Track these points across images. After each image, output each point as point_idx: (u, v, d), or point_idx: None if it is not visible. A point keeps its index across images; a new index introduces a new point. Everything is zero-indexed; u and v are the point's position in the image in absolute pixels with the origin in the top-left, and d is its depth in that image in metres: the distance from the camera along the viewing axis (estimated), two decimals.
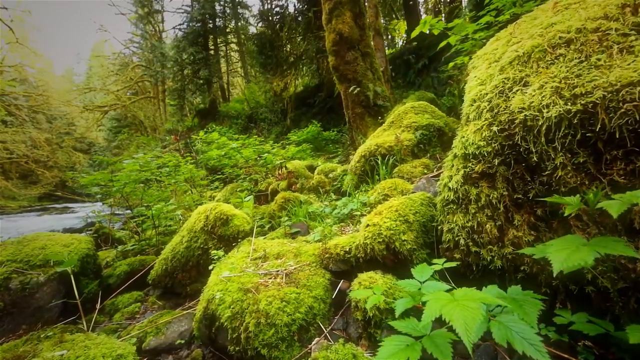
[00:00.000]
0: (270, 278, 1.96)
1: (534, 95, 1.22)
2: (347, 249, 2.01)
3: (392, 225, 1.80)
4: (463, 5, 14.60)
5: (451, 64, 4.48)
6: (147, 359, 1.99)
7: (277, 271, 2.03)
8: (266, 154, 5.72)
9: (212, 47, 22.40)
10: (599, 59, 1.12)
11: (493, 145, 1.34)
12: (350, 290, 1.76)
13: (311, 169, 5.89)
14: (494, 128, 1.33)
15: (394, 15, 21.15)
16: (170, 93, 24.46)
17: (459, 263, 1.45)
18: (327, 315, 1.80)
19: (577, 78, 1.13)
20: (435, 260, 1.45)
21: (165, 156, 5.03)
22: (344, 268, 2.04)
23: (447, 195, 1.59)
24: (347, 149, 8.40)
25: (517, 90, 1.31)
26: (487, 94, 1.44)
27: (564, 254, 0.84)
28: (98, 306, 2.66)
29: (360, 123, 6.65)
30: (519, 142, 1.26)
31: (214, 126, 14.77)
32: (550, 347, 1.07)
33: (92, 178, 4.21)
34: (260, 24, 18.86)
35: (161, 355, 2.04)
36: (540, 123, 1.18)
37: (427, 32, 3.70)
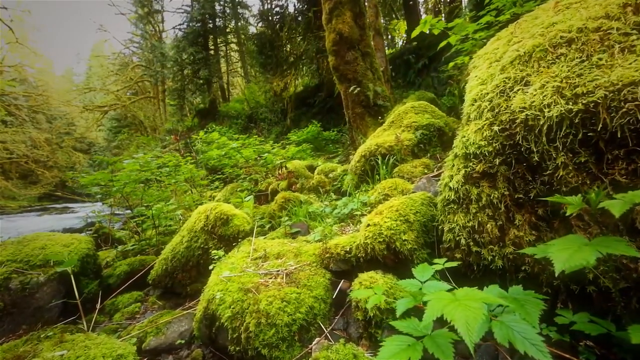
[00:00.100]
0: (270, 278, 1.96)
1: (535, 95, 1.22)
2: (348, 249, 2.01)
3: (392, 225, 1.79)
4: (463, 5, 14.60)
5: (451, 64, 4.48)
6: (147, 359, 1.99)
7: (278, 271, 2.02)
8: (266, 154, 5.72)
9: (212, 47, 22.40)
10: (600, 59, 1.12)
11: (494, 144, 1.34)
12: (351, 290, 1.76)
13: (311, 169, 5.88)
14: (495, 128, 1.33)
15: (393, 15, 21.15)
16: (170, 93, 24.45)
17: (459, 263, 1.45)
18: (328, 315, 1.80)
19: (579, 77, 1.12)
20: (436, 260, 1.45)
21: (165, 156, 5.03)
22: (345, 268, 2.03)
23: (448, 195, 1.59)
24: (347, 149, 8.40)
25: (518, 90, 1.30)
26: (488, 93, 1.44)
27: (566, 254, 0.84)
28: (98, 306, 2.66)
29: (360, 123, 6.65)
30: (520, 142, 1.25)
31: (214, 126, 14.77)
32: (551, 347, 1.06)
33: (92, 178, 4.21)
34: (260, 24, 18.86)
35: (161, 355, 2.04)
36: (541, 123, 1.17)
37: (427, 32, 3.70)
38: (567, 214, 0.99)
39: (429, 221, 1.86)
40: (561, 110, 1.12)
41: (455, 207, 1.55)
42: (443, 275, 1.51)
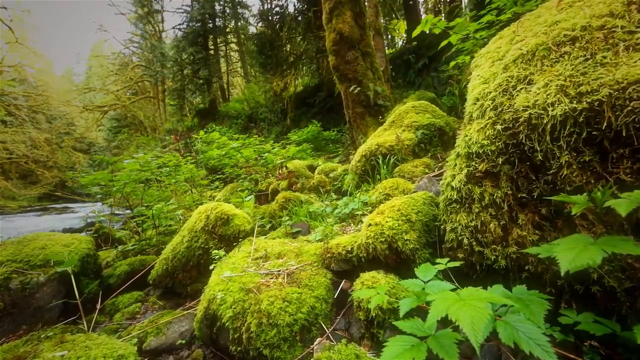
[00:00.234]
0: (271, 278, 1.95)
1: (538, 94, 1.21)
2: (349, 249, 2.00)
3: (394, 225, 1.79)
4: (463, 5, 14.59)
5: (452, 63, 4.48)
6: (148, 359, 1.98)
7: (279, 271, 2.02)
8: (267, 154, 5.71)
9: (212, 47, 22.38)
10: (604, 57, 1.11)
11: (497, 144, 1.33)
12: (353, 290, 1.75)
13: (311, 168, 5.88)
14: (498, 127, 1.32)
15: (393, 15, 21.14)
16: (170, 93, 24.43)
17: (462, 263, 1.44)
18: (329, 315, 1.79)
19: (583, 76, 1.12)
20: (438, 260, 1.44)
21: (165, 156, 5.02)
22: (346, 268, 2.03)
23: (450, 195, 1.58)
24: (347, 149, 8.39)
25: (521, 89, 1.30)
26: (490, 92, 1.43)
27: (572, 254, 0.83)
28: (98, 306, 2.65)
29: (360, 123, 6.64)
30: (523, 141, 1.25)
31: (214, 126, 14.75)
32: (555, 347, 1.06)
33: (93, 178, 4.20)
34: (260, 24, 18.86)
35: (162, 355, 2.03)
36: (545, 121, 1.17)
37: (428, 31, 3.69)
38: (573, 213, 0.99)
39: (430, 221, 1.86)
40: (565, 109, 1.11)
41: (457, 207, 1.55)
42: (445, 275, 1.50)
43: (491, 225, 1.37)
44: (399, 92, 10.20)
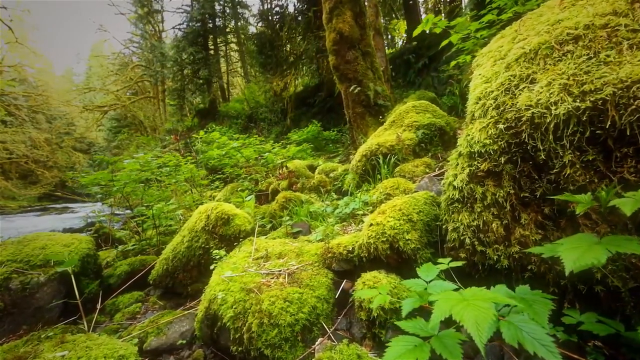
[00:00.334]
0: (272, 278, 1.94)
1: (541, 93, 1.20)
2: (350, 249, 2.00)
3: (395, 225, 1.78)
4: (463, 5, 14.59)
5: (453, 63, 4.47)
6: (149, 359, 1.98)
7: (280, 271, 2.01)
8: (267, 154, 5.71)
9: (211, 47, 22.37)
10: (608, 55, 1.10)
11: (499, 143, 1.33)
12: (354, 290, 1.75)
13: (312, 168, 5.87)
14: (500, 126, 1.32)
15: (393, 15, 21.13)
16: (170, 93, 24.42)
17: (464, 262, 1.44)
18: (331, 315, 1.79)
19: (586, 75, 1.11)
20: (440, 260, 1.43)
21: (165, 156, 5.02)
22: (347, 268, 2.02)
23: (452, 194, 1.57)
24: (347, 149, 8.39)
25: (523, 88, 1.29)
26: (492, 91, 1.42)
27: (576, 253, 0.82)
28: (99, 306, 2.64)
29: (360, 122, 6.64)
30: (526, 140, 1.24)
31: (214, 126, 14.73)
32: (559, 347, 1.05)
33: (93, 178, 4.20)
34: (260, 24, 18.85)
35: (162, 355, 2.03)
36: (548, 120, 1.16)
37: (428, 31, 3.69)
38: (577, 213, 0.98)
39: (432, 220, 1.85)
40: (568, 108, 1.10)
41: (459, 206, 1.54)
42: (447, 275, 1.49)
43: (493, 224, 1.37)
44: (399, 92, 10.19)
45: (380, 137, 4.00)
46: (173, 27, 25.86)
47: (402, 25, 19.93)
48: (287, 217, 3.37)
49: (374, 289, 1.49)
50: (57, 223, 11.69)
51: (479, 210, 1.43)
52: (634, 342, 0.97)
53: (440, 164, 3.32)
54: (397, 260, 1.76)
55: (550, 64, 1.25)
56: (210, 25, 21.98)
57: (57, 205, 22.81)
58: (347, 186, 3.91)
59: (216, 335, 1.87)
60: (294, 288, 1.80)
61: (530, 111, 1.22)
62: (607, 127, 1.04)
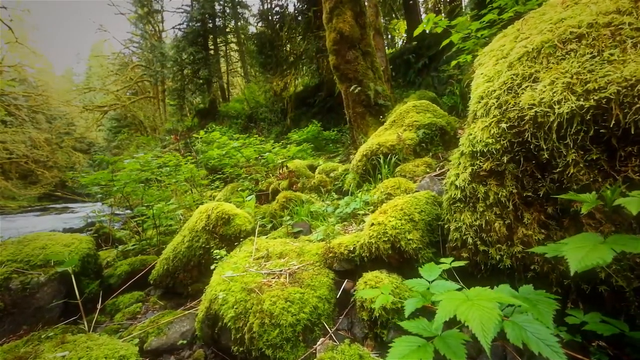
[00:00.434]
0: (273, 278, 1.94)
1: (544, 91, 1.20)
2: (351, 248, 1.99)
3: (397, 224, 1.77)
4: (463, 4, 14.58)
5: (453, 62, 4.46)
6: (149, 359, 1.97)
7: (281, 271, 2.00)
8: (267, 153, 5.70)
9: (211, 47, 22.36)
10: (612, 54, 1.10)
11: (502, 142, 1.32)
12: (355, 290, 1.74)
13: (312, 168, 5.86)
14: (503, 125, 1.31)
15: (393, 15, 21.12)
16: (170, 93, 24.42)
17: (467, 262, 1.43)
18: (332, 316, 1.78)
19: (590, 73, 1.10)
20: (442, 260, 1.42)
21: (165, 156, 5.01)
22: (348, 267, 2.01)
23: (454, 194, 1.57)
24: (347, 149, 8.38)
25: (526, 87, 1.28)
26: (495, 90, 1.42)
27: (581, 253, 0.81)
28: (99, 306, 2.64)
29: (361, 122, 6.63)
30: (529, 139, 1.23)
31: (214, 126, 14.73)
32: (562, 347, 1.05)
33: (93, 178, 4.20)
34: (260, 24, 18.83)
35: (163, 355, 2.02)
36: (551, 119, 1.15)
37: (428, 31, 3.69)
38: (582, 212, 0.97)
39: (433, 220, 1.85)
40: (572, 107, 1.10)
41: (461, 206, 1.53)
42: (450, 275, 1.49)
43: (496, 224, 1.36)
44: (399, 92, 10.18)
45: (381, 136, 4.00)
46: (173, 27, 25.88)
47: (402, 25, 19.93)
48: (288, 217, 3.36)
49: (376, 288, 1.48)
50: (57, 223, 11.69)
51: (481, 209, 1.42)
52: (638, 342, 0.97)
53: (441, 163, 3.32)
54: (399, 260, 1.76)
55: (553, 63, 1.24)
56: (210, 25, 21.97)
57: (57, 205, 22.80)
58: (348, 186, 3.91)
59: (217, 335, 1.86)
60: (295, 288, 1.79)
61: (533, 110, 1.21)
62: (611, 125, 1.03)
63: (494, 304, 0.83)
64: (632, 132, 0.99)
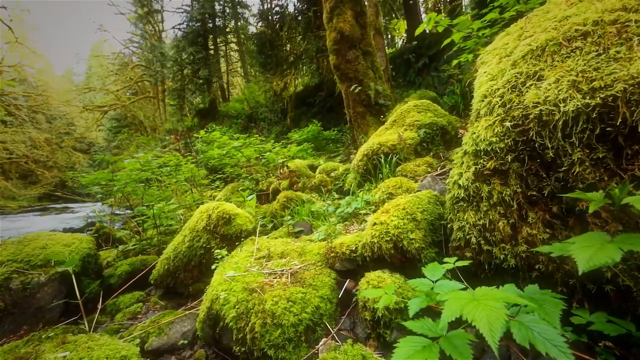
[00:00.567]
0: (275, 277, 1.93)
1: (549, 90, 1.19)
2: (353, 248, 1.98)
3: (399, 224, 1.76)
4: (463, 4, 14.58)
5: (454, 62, 4.45)
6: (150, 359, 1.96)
7: (282, 270, 1.99)
8: (268, 153, 5.69)
9: (211, 47, 22.35)
10: (618, 52, 1.08)
11: (506, 141, 1.31)
12: (357, 290, 1.73)
13: (312, 168, 5.85)
14: (507, 124, 1.30)
15: (393, 15, 21.12)
16: (170, 93, 24.41)
17: (470, 262, 1.42)
18: (334, 316, 1.77)
19: (596, 71, 1.09)
20: (446, 259, 1.41)
21: (165, 156, 5.00)
22: (350, 267, 2.00)
23: (457, 193, 1.56)
24: (348, 148, 8.37)
25: (531, 85, 1.27)
26: (498, 89, 1.41)
27: (589, 252, 0.80)
28: (99, 306, 2.62)
29: (361, 122, 6.62)
30: (533, 138, 1.22)
31: (214, 126, 14.71)
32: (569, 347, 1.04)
33: (93, 177, 4.19)
34: (260, 24, 18.82)
35: (164, 355, 2.01)
36: (556, 118, 1.14)
37: (428, 31, 3.68)
38: (589, 211, 0.96)
39: (436, 219, 1.84)
40: (577, 105, 1.09)
41: (465, 205, 1.52)
42: (453, 275, 1.48)
43: (500, 223, 1.35)
44: (399, 92, 10.17)
45: (382, 136, 3.99)
46: (173, 27, 25.82)
47: (402, 24, 19.93)
48: (289, 217, 3.35)
49: (378, 288, 1.47)
50: (57, 223, 11.68)
51: (485, 209, 1.41)
52: None
53: (442, 163, 3.31)
54: (401, 260, 1.75)
55: (558, 61, 1.23)
56: (210, 25, 21.96)
57: (57, 205, 22.78)
58: (349, 185, 3.90)
59: (218, 335, 1.85)
60: (297, 288, 1.78)
61: (537, 108, 1.20)
62: (617, 124, 1.02)
63: (501, 303, 0.82)
64: (639, 130, 0.98)
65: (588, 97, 1.07)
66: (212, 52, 22.26)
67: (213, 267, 2.32)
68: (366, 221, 2.44)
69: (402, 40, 22.57)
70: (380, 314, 1.45)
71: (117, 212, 6.41)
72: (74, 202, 23.95)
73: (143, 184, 4.49)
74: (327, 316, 1.73)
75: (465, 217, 1.51)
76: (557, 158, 1.18)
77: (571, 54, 1.21)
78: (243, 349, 1.63)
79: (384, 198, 2.70)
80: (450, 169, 2.52)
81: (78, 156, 30.66)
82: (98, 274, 3.02)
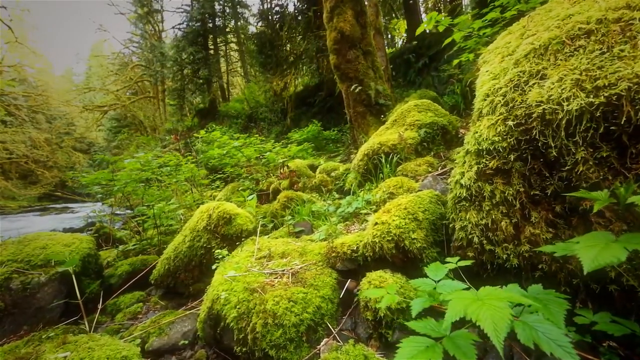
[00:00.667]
0: (276, 277, 1.92)
1: (552, 88, 1.18)
2: (354, 248, 1.97)
3: (401, 224, 1.76)
4: (464, 4, 14.57)
5: (455, 62, 4.44)
6: None
7: (283, 270, 1.99)
8: (268, 153, 5.68)
9: (211, 47, 22.34)
10: (622, 50, 1.08)
11: (508, 140, 1.30)
12: (359, 290, 1.72)
13: (312, 168, 5.85)
14: (510, 123, 1.30)
15: (393, 15, 21.10)
16: (170, 93, 24.40)
17: (473, 261, 1.41)
18: (335, 316, 1.77)
19: (599, 70, 1.09)
20: (448, 259, 1.41)
21: (165, 156, 4.99)
22: (351, 267, 2.00)
23: (459, 192, 1.55)
24: (348, 148, 8.36)
25: (534, 84, 1.27)
26: (501, 88, 1.40)
27: (594, 252, 0.80)
28: (100, 306, 2.61)
29: (361, 122, 6.61)
30: (536, 137, 1.22)
31: (214, 126, 14.70)
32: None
33: (93, 177, 4.18)
34: (260, 24, 18.81)
35: (164, 355, 2.00)
36: (560, 117, 1.14)
37: (428, 31, 3.68)
38: (594, 210, 0.96)
39: (437, 219, 1.83)
40: (581, 104, 1.08)
41: (467, 205, 1.52)
42: (455, 275, 1.47)
43: (502, 223, 1.34)
44: (399, 92, 10.16)
45: (382, 136, 3.98)
46: (173, 27, 25.79)
47: (402, 24, 19.92)
48: (289, 217, 3.34)
49: (380, 288, 1.47)
50: (57, 223, 11.68)
51: (487, 208, 1.40)
52: None
53: (443, 162, 3.30)
54: (403, 260, 1.74)
55: (561, 60, 1.23)
56: (210, 25, 21.95)
57: (57, 205, 22.76)
58: (349, 185, 3.89)
59: (219, 335, 1.84)
60: (298, 288, 1.77)
61: (541, 107, 1.19)
62: (621, 122, 1.01)
63: (505, 303, 0.81)
64: None
65: (592, 96, 1.07)
66: (212, 52, 22.25)
67: (214, 267, 2.31)
68: (367, 221, 2.44)
69: (402, 40, 22.57)
70: (382, 314, 1.45)
71: (117, 212, 6.40)
72: (74, 202, 23.94)
73: (143, 184, 4.48)
74: (329, 316, 1.72)
75: (467, 216, 1.50)
76: (560, 157, 1.18)
77: (574, 52, 1.20)
78: (244, 349, 1.62)
79: (385, 198, 2.70)
80: (451, 168, 2.51)
81: (78, 156, 30.65)
82: (98, 274, 3.01)
